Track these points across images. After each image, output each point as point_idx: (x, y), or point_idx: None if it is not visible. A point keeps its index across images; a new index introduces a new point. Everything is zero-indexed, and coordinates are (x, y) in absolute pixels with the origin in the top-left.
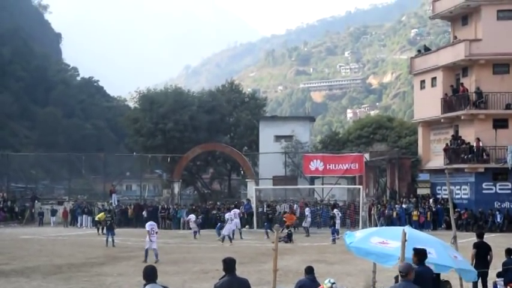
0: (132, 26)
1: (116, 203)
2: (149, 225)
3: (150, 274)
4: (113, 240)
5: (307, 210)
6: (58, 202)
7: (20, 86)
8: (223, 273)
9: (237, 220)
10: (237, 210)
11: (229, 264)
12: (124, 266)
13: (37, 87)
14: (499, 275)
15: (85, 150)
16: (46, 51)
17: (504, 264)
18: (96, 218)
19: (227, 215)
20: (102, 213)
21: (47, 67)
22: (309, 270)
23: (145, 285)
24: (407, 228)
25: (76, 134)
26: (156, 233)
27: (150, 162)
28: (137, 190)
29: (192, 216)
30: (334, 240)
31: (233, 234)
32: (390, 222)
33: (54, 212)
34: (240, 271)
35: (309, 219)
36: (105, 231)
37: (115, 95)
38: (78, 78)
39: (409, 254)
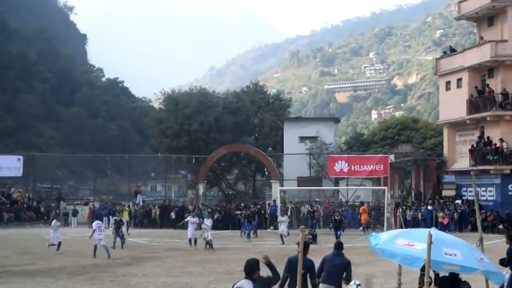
0: (157, 28)
1: (141, 203)
2: (96, 223)
3: (248, 267)
4: (122, 243)
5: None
6: (84, 202)
7: (45, 87)
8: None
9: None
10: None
11: (248, 268)
12: (149, 267)
13: (62, 88)
14: (501, 262)
15: (110, 151)
16: (71, 53)
17: (509, 252)
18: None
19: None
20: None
21: (72, 68)
22: (337, 246)
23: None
24: (433, 230)
25: (101, 134)
26: (103, 230)
27: (174, 163)
28: (162, 191)
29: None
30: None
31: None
32: (415, 223)
33: (75, 213)
34: (265, 272)
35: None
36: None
37: (140, 96)
38: (103, 79)
39: (435, 257)
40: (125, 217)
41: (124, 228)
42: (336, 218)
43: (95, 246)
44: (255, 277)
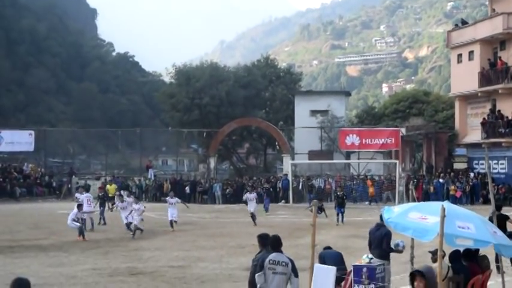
0: (167, 2)
1: (153, 177)
2: (85, 196)
3: (277, 241)
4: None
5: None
6: (95, 177)
7: (56, 62)
8: (259, 249)
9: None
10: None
11: (264, 240)
12: (161, 241)
13: (73, 63)
14: (510, 235)
15: (121, 126)
16: (81, 27)
17: None
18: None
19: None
20: (114, 186)
21: (82, 43)
22: (380, 218)
23: (266, 252)
24: (446, 204)
25: (112, 109)
26: (92, 202)
27: (186, 137)
28: (173, 165)
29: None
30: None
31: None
32: (427, 197)
33: (87, 187)
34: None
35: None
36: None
37: (150, 70)
38: (114, 54)
39: (448, 230)
40: (112, 193)
41: (108, 205)
42: (338, 194)
43: (84, 220)
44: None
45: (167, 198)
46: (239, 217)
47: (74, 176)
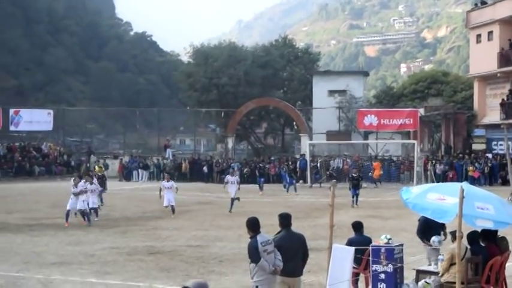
0: None
1: (171, 157)
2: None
3: (255, 224)
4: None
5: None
6: (113, 156)
7: (73, 41)
8: (279, 228)
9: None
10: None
11: (285, 219)
12: (179, 220)
13: (91, 42)
14: None
15: (139, 105)
16: (99, 6)
17: None
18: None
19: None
20: (99, 167)
21: (100, 22)
22: (358, 227)
23: (252, 236)
24: (465, 184)
25: (130, 88)
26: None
27: (203, 117)
28: (191, 144)
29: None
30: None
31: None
32: (445, 178)
33: (106, 167)
34: (295, 226)
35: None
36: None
37: (168, 49)
38: (131, 33)
39: (467, 211)
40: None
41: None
42: (354, 175)
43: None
44: None
45: (162, 182)
46: (257, 197)
47: (92, 155)
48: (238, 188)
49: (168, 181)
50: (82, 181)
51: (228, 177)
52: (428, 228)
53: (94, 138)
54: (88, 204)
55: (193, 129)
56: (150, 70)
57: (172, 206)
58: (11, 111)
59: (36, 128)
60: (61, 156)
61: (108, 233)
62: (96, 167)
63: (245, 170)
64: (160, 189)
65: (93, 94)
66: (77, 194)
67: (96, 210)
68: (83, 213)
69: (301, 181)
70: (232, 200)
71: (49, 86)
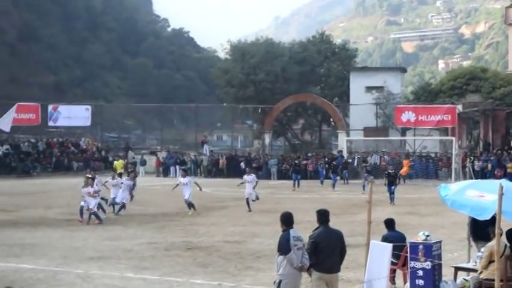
0: None
1: (208, 153)
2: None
3: (289, 219)
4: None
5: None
6: (151, 152)
7: (111, 37)
8: (317, 225)
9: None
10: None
11: (323, 216)
12: (216, 216)
13: (128, 38)
14: None
15: (176, 101)
16: (137, 3)
17: None
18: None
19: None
20: (120, 162)
21: (137, 18)
22: (390, 223)
23: (284, 230)
24: (504, 182)
25: (167, 84)
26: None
27: (240, 113)
28: (228, 140)
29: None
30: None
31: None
32: (484, 174)
33: (143, 162)
34: (332, 222)
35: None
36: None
37: (205, 46)
38: (169, 30)
39: (506, 207)
40: (119, 169)
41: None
42: (390, 171)
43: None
44: None
45: (179, 178)
46: (294, 193)
47: (130, 151)
48: (254, 187)
49: (184, 177)
50: (96, 179)
51: (245, 177)
52: (478, 228)
53: (131, 134)
54: (115, 198)
55: (231, 125)
56: (187, 66)
57: (189, 201)
58: (50, 107)
59: (75, 124)
60: (99, 152)
61: (146, 228)
62: (116, 163)
63: (283, 166)
64: (177, 185)
65: (130, 90)
66: (91, 194)
67: (124, 205)
68: (93, 213)
69: (338, 178)
70: (248, 200)
71: (87, 82)
